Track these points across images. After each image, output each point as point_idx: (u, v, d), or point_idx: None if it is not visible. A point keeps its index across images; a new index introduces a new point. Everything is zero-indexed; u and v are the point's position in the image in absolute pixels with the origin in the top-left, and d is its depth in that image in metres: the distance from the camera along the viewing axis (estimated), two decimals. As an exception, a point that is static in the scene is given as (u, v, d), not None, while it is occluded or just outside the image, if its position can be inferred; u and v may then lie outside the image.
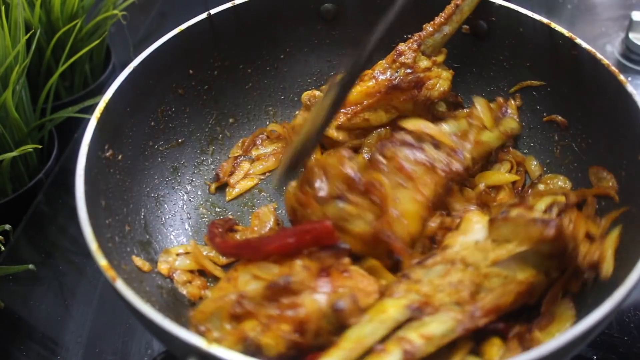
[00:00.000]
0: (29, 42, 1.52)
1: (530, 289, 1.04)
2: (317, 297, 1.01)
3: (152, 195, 1.35)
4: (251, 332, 0.99)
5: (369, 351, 0.95)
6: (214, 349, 0.84)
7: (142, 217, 1.29)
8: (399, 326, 0.98)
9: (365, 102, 1.38)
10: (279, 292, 1.01)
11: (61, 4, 1.65)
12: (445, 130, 1.29)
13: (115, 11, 1.75)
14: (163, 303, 1.16)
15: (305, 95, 1.45)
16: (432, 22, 1.41)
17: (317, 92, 1.46)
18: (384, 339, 0.97)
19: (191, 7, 1.68)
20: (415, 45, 1.39)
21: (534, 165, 1.43)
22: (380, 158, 1.19)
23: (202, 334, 0.99)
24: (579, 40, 1.31)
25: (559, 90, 1.39)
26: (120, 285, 0.93)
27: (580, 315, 0.92)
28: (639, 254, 0.97)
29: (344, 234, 1.12)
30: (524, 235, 1.01)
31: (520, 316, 1.08)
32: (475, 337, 1.05)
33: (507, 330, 1.05)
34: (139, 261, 1.20)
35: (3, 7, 1.45)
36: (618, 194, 1.22)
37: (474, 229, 1.09)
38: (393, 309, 0.99)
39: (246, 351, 0.98)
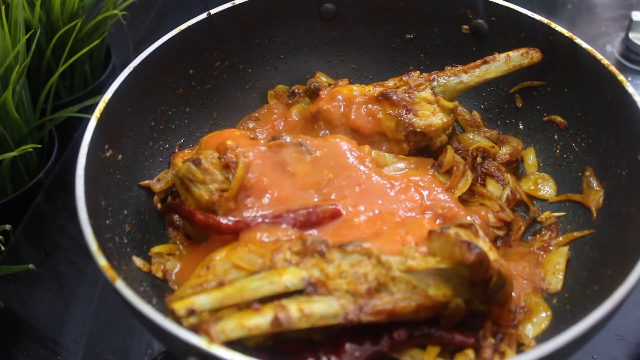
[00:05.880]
0: (29, 42, 1.52)
1: (437, 307, 1.04)
2: None
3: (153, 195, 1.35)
4: None
5: (248, 305, 0.98)
6: (214, 349, 0.84)
7: (142, 217, 1.29)
8: (287, 295, 1.00)
9: (357, 100, 1.38)
10: None
11: (61, 4, 1.65)
12: None
13: (115, 11, 1.75)
14: (163, 303, 1.16)
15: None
16: (453, 66, 1.40)
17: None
18: (269, 301, 0.99)
19: (191, 7, 1.68)
20: (426, 75, 1.39)
21: (531, 160, 1.44)
22: (264, 145, 1.24)
23: (178, 319, 0.99)
24: (579, 40, 1.31)
25: (559, 90, 1.39)
26: (120, 285, 0.93)
27: (580, 316, 0.92)
28: (638, 256, 0.97)
29: (187, 192, 1.21)
30: (449, 253, 1.02)
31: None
32: (449, 349, 1.07)
33: (477, 344, 1.06)
34: (139, 261, 1.20)
35: (3, 7, 1.45)
36: (598, 211, 1.24)
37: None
38: (288, 275, 1.00)
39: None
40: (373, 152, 1.32)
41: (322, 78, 1.60)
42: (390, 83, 1.40)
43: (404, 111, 1.33)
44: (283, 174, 1.23)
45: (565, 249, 1.24)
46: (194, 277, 1.07)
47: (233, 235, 1.16)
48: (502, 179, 1.37)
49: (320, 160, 1.26)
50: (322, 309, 0.99)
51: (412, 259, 1.03)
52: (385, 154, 1.34)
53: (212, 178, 1.18)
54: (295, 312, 0.98)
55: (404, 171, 1.32)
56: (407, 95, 1.35)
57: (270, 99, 1.59)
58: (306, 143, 1.27)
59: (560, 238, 1.27)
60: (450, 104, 1.37)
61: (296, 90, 1.60)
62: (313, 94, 1.51)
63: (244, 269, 1.04)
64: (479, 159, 1.39)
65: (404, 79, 1.39)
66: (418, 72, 1.41)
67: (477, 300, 1.06)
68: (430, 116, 1.34)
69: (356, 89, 1.40)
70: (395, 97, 1.34)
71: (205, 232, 1.23)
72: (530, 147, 1.46)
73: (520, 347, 1.10)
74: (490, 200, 1.33)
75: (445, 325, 1.07)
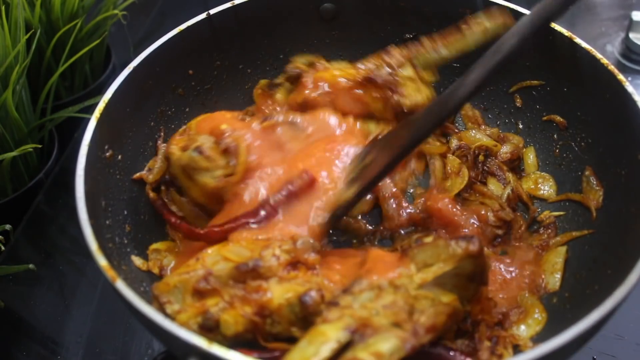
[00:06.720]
0: (29, 42, 1.52)
1: (455, 312, 1.02)
2: (286, 286, 1.02)
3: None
4: (213, 307, 1.01)
5: None
6: (215, 349, 0.84)
7: (142, 217, 1.29)
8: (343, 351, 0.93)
9: (342, 86, 1.36)
10: (246, 274, 1.03)
11: (61, 4, 1.65)
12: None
13: (115, 11, 1.75)
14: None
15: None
16: (431, 39, 1.39)
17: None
18: None
19: (191, 7, 1.68)
20: (406, 52, 1.39)
21: (530, 159, 1.44)
22: (257, 126, 1.25)
23: (162, 305, 0.99)
24: (578, 40, 1.31)
25: (559, 90, 1.39)
26: (120, 286, 0.93)
27: (580, 315, 0.92)
28: (638, 256, 0.97)
29: (191, 181, 1.21)
30: (447, 255, 1.00)
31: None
32: None
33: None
34: (138, 261, 1.20)
35: (3, 7, 1.45)
36: (597, 210, 1.24)
37: None
38: (331, 331, 0.94)
39: (203, 326, 1.00)
40: (358, 123, 1.34)
41: (301, 61, 1.54)
42: (371, 66, 1.38)
43: (390, 93, 1.34)
44: (280, 152, 1.24)
45: (564, 249, 1.24)
46: (183, 267, 1.08)
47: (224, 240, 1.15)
48: (503, 178, 1.38)
49: (312, 135, 1.28)
50: (386, 345, 0.92)
51: (416, 275, 1.01)
52: (370, 123, 1.35)
53: (215, 165, 1.19)
54: (368, 357, 0.91)
55: None
56: (390, 76, 1.35)
57: (256, 96, 1.57)
58: (297, 120, 1.29)
59: (559, 237, 1.28)
60: (430, 77, 1.39)
61: (276, 81, 1.57)
62: (294, 80, 1.49)
63: (231, 260, 1.05)
64: (481, 157, 1.39)
65: (385, 58, 1.38)
66: (398, 49, 1.40)
67: (464, 301, 1.05)
68: (415, 94, 1.35)
69: (338, 73, 1.38)
70: (379, 80, 1.34)
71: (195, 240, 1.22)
72: (530, 147, 1.46)
73: (517, 348, 1.09)
74: (490, 199, 1.33)
75: (447, 335, 1.05)
